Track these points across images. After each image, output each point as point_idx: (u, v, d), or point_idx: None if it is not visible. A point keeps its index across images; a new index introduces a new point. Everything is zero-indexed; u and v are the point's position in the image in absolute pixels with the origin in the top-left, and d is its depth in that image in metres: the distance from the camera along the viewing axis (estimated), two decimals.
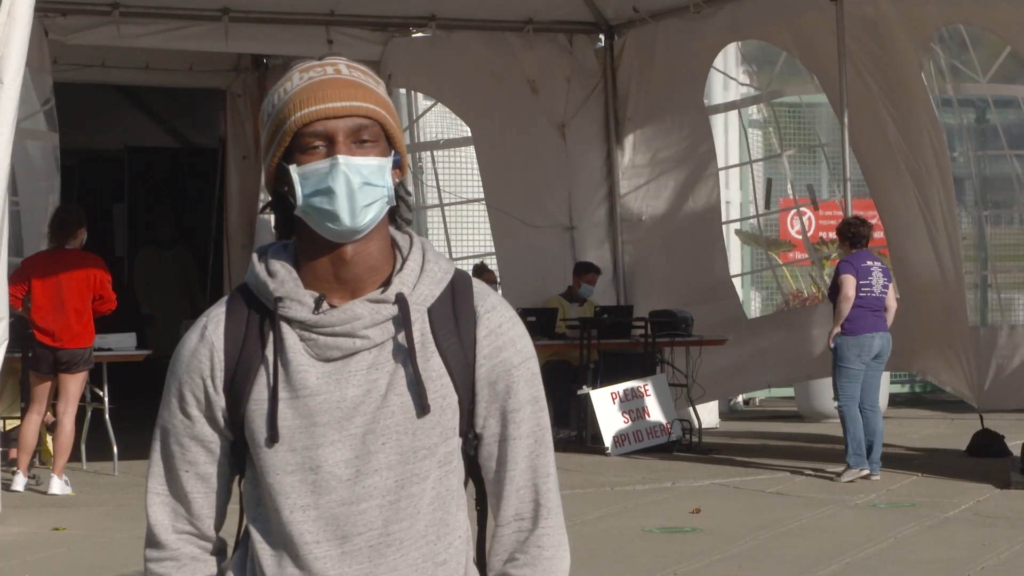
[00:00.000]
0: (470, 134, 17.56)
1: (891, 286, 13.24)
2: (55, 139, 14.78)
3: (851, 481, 12.73)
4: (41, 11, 13.55)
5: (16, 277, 12.34)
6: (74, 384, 12.50)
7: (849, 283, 12.91)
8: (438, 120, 18.81)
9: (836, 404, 13.04)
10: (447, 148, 18.81)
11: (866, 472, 12.87)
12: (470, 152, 17.85)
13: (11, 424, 13.56)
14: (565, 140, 17.10)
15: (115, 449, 13.17)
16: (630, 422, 14.34)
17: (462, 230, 18.65)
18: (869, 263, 13.11)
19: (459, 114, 17.67)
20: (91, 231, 13.22)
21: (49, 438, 13.71)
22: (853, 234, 13.17)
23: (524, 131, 16.96)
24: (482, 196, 17.29)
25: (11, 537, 10.67)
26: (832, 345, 12.98)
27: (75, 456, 13.41)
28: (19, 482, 12.51)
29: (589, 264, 16.22)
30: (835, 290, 13.09)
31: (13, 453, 13.58)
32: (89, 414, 13.28)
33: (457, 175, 18.76)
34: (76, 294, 12.40)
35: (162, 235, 20.74)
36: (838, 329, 12.92)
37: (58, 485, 12.42)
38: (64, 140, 15.02)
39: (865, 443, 12.92)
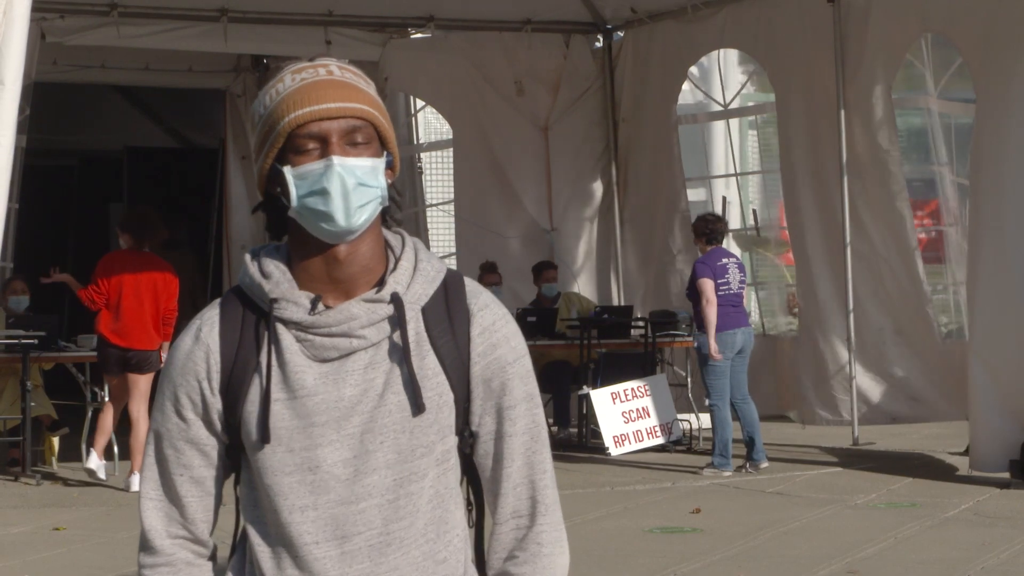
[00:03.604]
0: (451, 136, 17.63)
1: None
2: (21, 140, 14.77)
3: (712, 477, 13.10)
4: (39, 12, 13.56)
5: (103, 274, 12.48)
6: (145, 382, 12.68)
7: (709, 287, 13.19)
8: (426, 121, 18.87)
9: (708, 403, 13.43)
10: (429, 151, 18.88)
11: (728, 473, 13.17)
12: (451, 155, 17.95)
13: (11, 424, 13.58)
14: (547, 142, 17.11)
15: (115, 449, 13.18)
16: (630, 422, 14.33)
17: (445, 231, 18.70)
18: (724, 260, 13.43)
19: (446, 116, 17.71)
20: (90, 231, 13.24)
21: (54, 439, 13.74)
22: (710, 231, 13.43)
23: (506, 133, 17.00)
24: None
25: (11, 537, 10.68)
26: (696, 345, 13.42)
27: (75, 456, 13.44)
28: (93, 460, 12.63)
29: (543, 263, 16.21)
30: (693, 291, 13.41)
31: (13, 453, 13.60)
32: (89, 414, 13.30)
33: (443, 176, 18.83)
34: (153, 297, 12.54)
35: (178, 238, 20.70)
36: (713, 343, 13.19)
37: (138, 482, 12.49)
38: (64, 140, 15.02)
39: (745, 436, 13.36)
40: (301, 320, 2.76)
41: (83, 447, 13.30)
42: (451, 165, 18.20)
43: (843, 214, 14.60)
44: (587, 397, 14.69)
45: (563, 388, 15.25)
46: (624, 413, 14.31)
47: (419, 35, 17.27)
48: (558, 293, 16.06)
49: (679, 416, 14.71)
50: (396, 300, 2.77)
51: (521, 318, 14.80)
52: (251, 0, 16.03)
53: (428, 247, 3.29)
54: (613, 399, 14.30)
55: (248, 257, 2.85)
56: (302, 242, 2.79)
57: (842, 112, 14.42)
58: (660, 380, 14.74)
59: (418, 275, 2.82)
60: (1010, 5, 12.69)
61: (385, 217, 2.84)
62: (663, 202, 16.70)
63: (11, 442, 13.66)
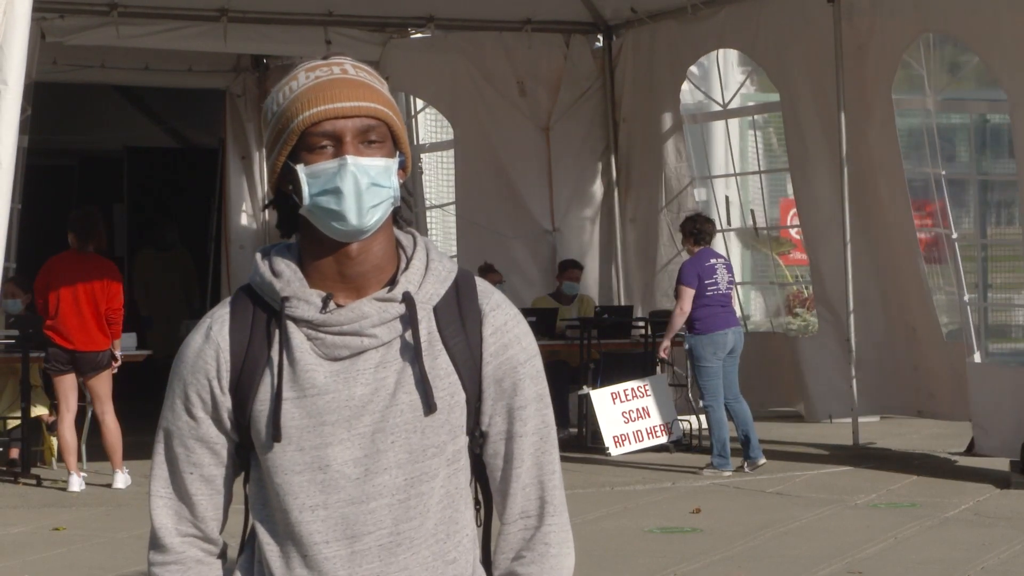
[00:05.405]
0: (452, 137, 17.63)
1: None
2: (23, 140, 14.77)
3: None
4: (39, 12, 13.57)
5: (40, 280, 12.49)
6: (100, 384, 12.68)
7: (687, 295, 13.17)
8: (426, 122, 18.86)
9: (702, 404, 13.47)
10: (432, 152, 18.88)
11: (728, 473, 13.17)
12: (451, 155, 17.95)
13: (11, 424, 13.57)
14: (549, 142, 17.12)
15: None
16: (630, 422, 14.33)
17: (445, 233, 18.69)
18: (713, 261, 13.42)
19: (448, 117, 17.70)
20: None
21: (54, 439, 13.73)
22: (697, 231, 13.40)
23: (508, 133, 17.00)
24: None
25: (11, 537, 10.68)
26: (687, 347, 13.38)
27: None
28: (75, 483, 12.55)
29: (570, 261, 16.25)
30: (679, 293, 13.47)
31: (13, 453, 13.58)
32: (89, 414, 13.29)
33: (443, 177, 18.82)
34: (93, 299, 12.52)
35: (167, 239, 20.70)
36: (667, 343, 13.34)
37: (121, 479, 12.62)
38: (64, 141, 14.98)
39: (740, 435, 13.34)
40: (312, 318, 2.76)
41: (82, 448, 13.29)
42: (451, 166, 18.19)
43: (843, 213, 14.61)
44: (587, 397, 14.69)
45: (562, 388, 15.24)
46: (624, 413, 14.31)
47: (419, 35, 17.26)
48: (576, 294, 16.07)
49: (679, 416, 14.71)
50: (408, 299, 2.77)
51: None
52: (251, 0, 16.03)
53: None
54: (613, 399, 14.30)
55: (259, 256, 2.84)
56: (313, 240, 2.78)
57: (842, 114, 14.42)
58: (660, 380, 14.74)
59: (430, 275, 2.81)
60: (1015, 2, 12.69)
61: (396, 217, 2.83)
62: (666, 202, 16.67)
63: (10, 442, 13.64)
